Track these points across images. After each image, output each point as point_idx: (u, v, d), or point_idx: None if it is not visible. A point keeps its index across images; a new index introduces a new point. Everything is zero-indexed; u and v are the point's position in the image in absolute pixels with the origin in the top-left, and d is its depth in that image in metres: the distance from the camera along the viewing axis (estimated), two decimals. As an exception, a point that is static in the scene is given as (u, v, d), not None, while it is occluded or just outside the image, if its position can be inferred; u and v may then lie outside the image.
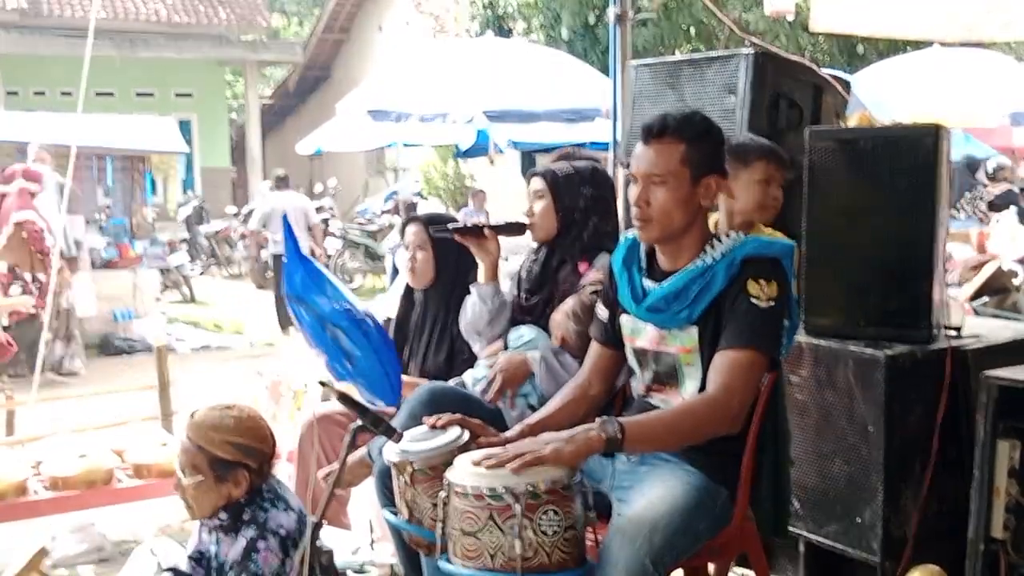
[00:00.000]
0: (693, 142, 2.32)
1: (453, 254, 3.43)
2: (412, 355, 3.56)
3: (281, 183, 11.33)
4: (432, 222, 3.52)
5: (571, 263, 3.10)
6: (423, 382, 3.22)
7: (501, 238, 3.19)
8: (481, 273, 3.15)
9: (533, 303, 3.15)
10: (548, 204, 3.13)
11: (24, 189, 7.89)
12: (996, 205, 9.38)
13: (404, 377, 3.30)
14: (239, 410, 2.64)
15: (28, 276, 7.83)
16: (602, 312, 2.57)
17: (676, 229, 2.35)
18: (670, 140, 2.33)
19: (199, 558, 2.74)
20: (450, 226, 3.20)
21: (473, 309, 3.15)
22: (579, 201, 3.12)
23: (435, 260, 3.49)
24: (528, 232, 3.19)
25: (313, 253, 8.14)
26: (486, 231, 3.14)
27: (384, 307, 6.57)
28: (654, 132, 2.35)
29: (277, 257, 10.32)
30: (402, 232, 3.55)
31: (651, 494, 2.23)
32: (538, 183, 3.16)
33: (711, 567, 2.64)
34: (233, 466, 2.56)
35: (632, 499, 2.25)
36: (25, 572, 2.54)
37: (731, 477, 2.34)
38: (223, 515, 2.60)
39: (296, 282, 3.25)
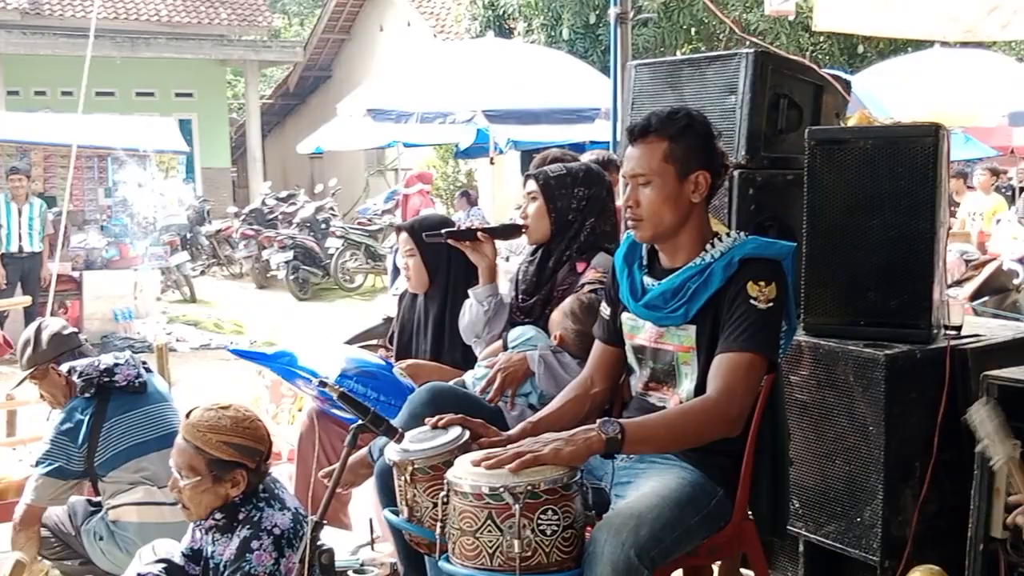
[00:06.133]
0: (675, 139, 2.32)
1: (443, 256, 3.40)
2: (421, 355, 3.55)
3: None
4: (418, 228, 3.44)
5: (569, 264, 3.10)
6: (430, 365, 3.27)
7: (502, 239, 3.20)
8: (480, 276, 3.16)
9: (530, 304, 3.15)
10: (540, 206, 3.13)
11: (423, 191, 9.60)
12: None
13: (415, 361, 3.34)
14: (235, 410, 2.63)
15: None
16: (605, 310, 2.57)
17: (668, 227, 2.35)
18: (653, 139, 2.34)
19: (191, 555, 2.74)
20: (443, 231, 3.19)
21: (470, 312, 3.15)
22: (572, 202, 3.12)
23: (425, 265, 3.47)
24: (524, 234, 3.19)
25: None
26: (479, 235, 3.14)
27: (386, 307, 6.60)
28: (637, 132, 2.36)
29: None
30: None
31: (643, 488, 2.23)
32: (531, 185, 3.16)
33: (715, 568, 2.64)
34: (231, 466, 2.56)
35: (627, 494, 2.26)
36: None
37: (730, 477, 2.34)
38: (218, 515, 2.60)
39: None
